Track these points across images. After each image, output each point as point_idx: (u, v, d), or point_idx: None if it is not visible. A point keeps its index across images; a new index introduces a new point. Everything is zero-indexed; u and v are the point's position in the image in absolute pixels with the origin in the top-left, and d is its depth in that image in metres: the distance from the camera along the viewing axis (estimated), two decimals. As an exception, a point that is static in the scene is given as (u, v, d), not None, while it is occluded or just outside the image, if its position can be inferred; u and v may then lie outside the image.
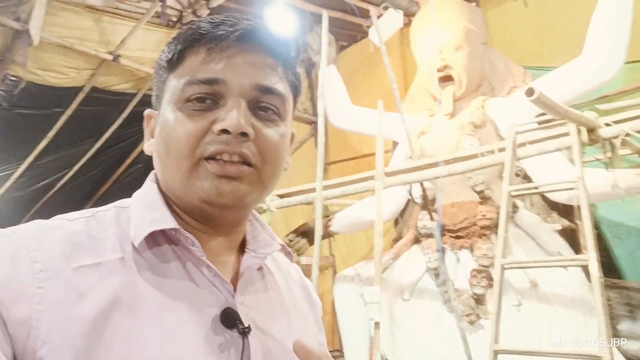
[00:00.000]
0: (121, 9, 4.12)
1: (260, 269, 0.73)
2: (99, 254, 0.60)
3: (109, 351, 0.54)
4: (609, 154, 2.69)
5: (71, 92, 4.45)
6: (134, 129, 5.13)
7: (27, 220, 0.63)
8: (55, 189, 5.31)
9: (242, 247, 0.73)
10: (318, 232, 3.36)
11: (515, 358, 2.51)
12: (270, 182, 0.68)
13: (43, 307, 0.54)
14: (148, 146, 0.71)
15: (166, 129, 0.65)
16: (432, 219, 3.54)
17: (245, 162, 0.63)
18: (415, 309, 3.61)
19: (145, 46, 4.32)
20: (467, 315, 3.34)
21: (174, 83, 0.65)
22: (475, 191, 3.61)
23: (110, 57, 4.27)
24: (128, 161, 5.48)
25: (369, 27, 4.47)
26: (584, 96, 3.57)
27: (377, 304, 2.92)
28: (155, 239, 0.64)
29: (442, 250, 3.59)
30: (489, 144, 3.54)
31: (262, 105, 0.66)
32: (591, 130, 2.60)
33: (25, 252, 0.56)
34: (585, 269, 3.19)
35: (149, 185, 0.70)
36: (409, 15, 4.67)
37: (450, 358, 3.27)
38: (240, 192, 0.64)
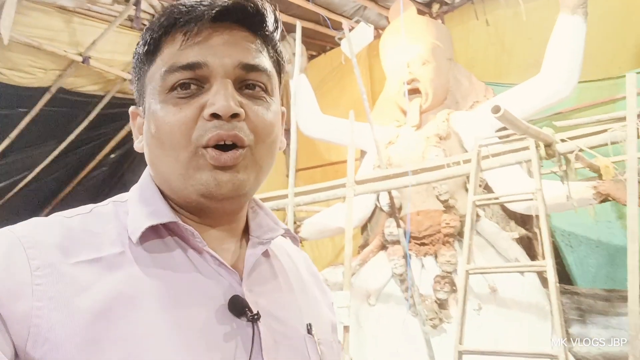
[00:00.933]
0: (93, 11, 4.08)
1: (266, 254, 0.72)
2: (99, 249, 0.59)
3: (113, 345, 0.53)
4: (564, 168, 2.89)
5: (37, 92, 4.36)
6: (100, 131, 5.06)
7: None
8: (15, 190, 5.15)
9: (245, 235, 0.72)
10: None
11: (477, 358, 2.67)
12: (265, 162, 0.66)
13: (43, 304, 0.53)
14: (137, 143, 0.69)
15: (154, 123, 0.63)
16: (398, 226, 3.67)
17: (238, 144, 0.62)
18: (381, 313, 3.72)
19: (116, 49, 4.28)
20: (430, 320, 3.48)
21: (155, 74, 0.63)
22: (440, 200, 3.77)
23: (80, 59, 4.22)
24: (92, 164, 5.39)
25: (340, 38, 4.60)
26: (540, 112, 3.81)
27: (346, 308, 3.01)
28: (156, 231, 0.63)
29: (408, 257, 3.73)
30: (453, 155, 3.72)
31: (248, 83, 0.64)
32: (548, 146, 2.80)
33: (22, 250, 0.55)
34: (540, 275, 3.42)
35: (145, 180, 0.69)
36: (377, 28, 4.83)
37: (415, 361, 3.41)
38: (238, 181, 0.62)
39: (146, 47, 0.65)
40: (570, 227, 3.81)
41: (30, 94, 4.34)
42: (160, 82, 0.62)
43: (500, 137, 3.18)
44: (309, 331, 0.68)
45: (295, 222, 4.35)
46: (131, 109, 0.70)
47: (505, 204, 3.66)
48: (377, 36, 4.76)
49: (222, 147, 0.61)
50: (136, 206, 0.64)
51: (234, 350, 0.59)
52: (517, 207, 3.60)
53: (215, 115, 0.60)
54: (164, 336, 0.55)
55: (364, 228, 4.46)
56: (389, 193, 3.67)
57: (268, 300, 0.66)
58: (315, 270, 0.85)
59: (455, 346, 2.50)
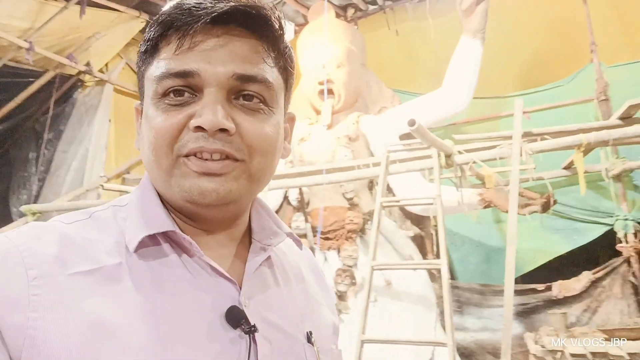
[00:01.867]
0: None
1: (267, 259, 0.70)
2: (96, 260, 0.58)
3: (108, 359, 0.52)
4: (459, 175, 3.25)
5: None
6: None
7: None
8: None
9: (247, 237, 0.69)
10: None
11: (375, 347, 2.92)
12: (262, 174, 0.63)
13: (38, 315, 0.52)
14: (136, 142, 0.67)
15: (147, 126, 0.61)
16: (307, 221, 3.84)
17: (230, 157, 0.59)
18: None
19: (14, 13, 3.91)
20: (330, 310, 3.69)
21: (151, 77, 0.61)
22: (346, 198, 4.00)
23: (-30, 19, 3.81)
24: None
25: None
26: (439, 122, 4.21)
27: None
28: (153, 239, 0.61)
29: (312, 250, 3.91)
30: (360, 157, 3.97)
31: (245, 94, 0.60)
32: (448, 156, 3.12)
33: (20, 259, 0.54)
34: (429, 270, 3.80)
35: (145, 182, 0.66)
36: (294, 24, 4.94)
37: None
38: (224, 190, 0.59)
39: (145, 47, 0.62)
40: (456, 227, 4.25)
41: None
42: (154, 87, 0.60)
43: (404, 146, 3.48)
44: (309, 339, 0.67)
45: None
46: (135, 104, 0.68)
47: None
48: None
49: (207, 159, 0.59)
50: (134, 212, 0.63)
51: None
52: (415, 209, 3.94)
53: (200, 128, 0.57)
54: (160, 350, 0.54)
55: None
56: (300, 189, 3.81)
57: (267, 308, 0.65)
58: (319, 270, 0.83)
59: (359, 335, 2.72)
